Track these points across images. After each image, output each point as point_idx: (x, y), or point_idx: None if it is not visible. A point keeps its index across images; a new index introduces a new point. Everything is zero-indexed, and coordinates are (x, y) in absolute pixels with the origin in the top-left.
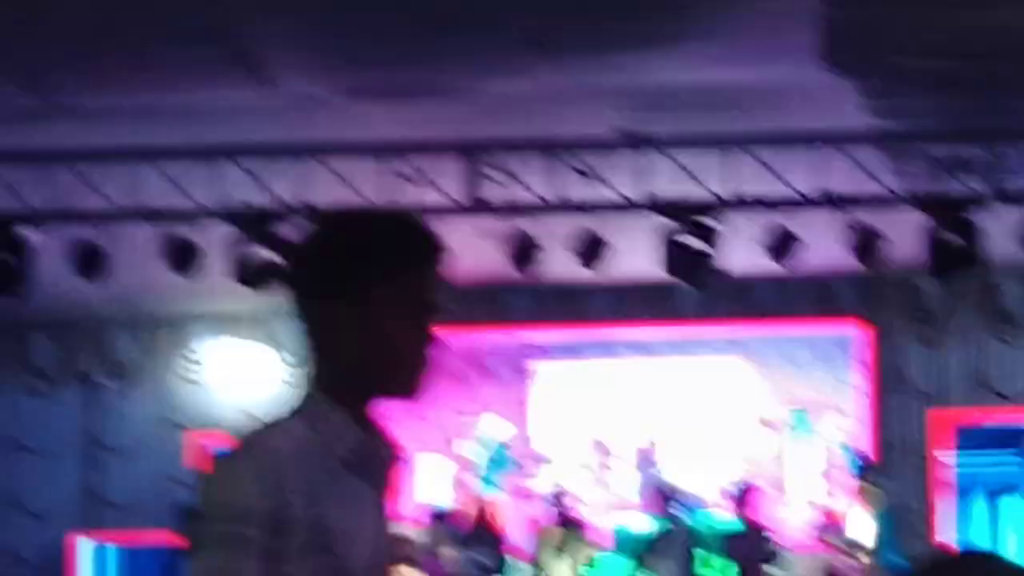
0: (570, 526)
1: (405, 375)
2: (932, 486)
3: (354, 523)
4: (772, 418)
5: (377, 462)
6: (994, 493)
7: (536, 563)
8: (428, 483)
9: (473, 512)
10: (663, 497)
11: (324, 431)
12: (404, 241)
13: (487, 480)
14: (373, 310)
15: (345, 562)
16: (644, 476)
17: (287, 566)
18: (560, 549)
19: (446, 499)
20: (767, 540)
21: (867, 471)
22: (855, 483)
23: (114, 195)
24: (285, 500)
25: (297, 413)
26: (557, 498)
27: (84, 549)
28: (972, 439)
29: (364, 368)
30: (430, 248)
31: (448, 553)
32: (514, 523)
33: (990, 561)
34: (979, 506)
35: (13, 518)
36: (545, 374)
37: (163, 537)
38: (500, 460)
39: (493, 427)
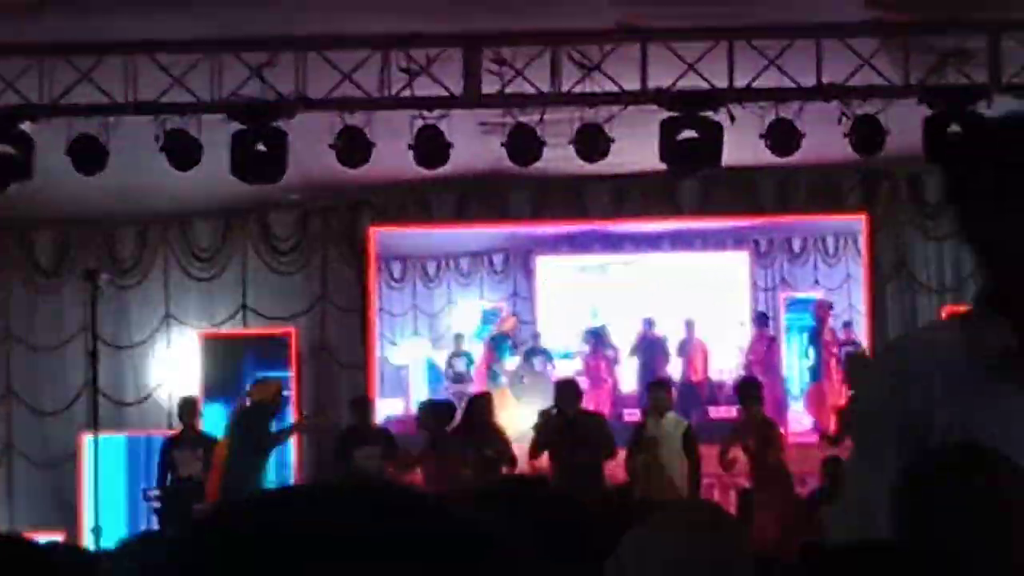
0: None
1: None
2: None
3: (1002, 433)
4: (769, 311)
5: None
6: None
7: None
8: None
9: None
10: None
11: (973, 338)
12: None
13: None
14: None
15: None
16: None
17: None
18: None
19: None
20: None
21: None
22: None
23: (112, 89)
24: (909, 403)
25: (961, 318)
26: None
27: (90, 445)
28: None
29: (1019, 275)
30: None
31: None
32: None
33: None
34: None
35: (20, 416)
36: (547, 268)
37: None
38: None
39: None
